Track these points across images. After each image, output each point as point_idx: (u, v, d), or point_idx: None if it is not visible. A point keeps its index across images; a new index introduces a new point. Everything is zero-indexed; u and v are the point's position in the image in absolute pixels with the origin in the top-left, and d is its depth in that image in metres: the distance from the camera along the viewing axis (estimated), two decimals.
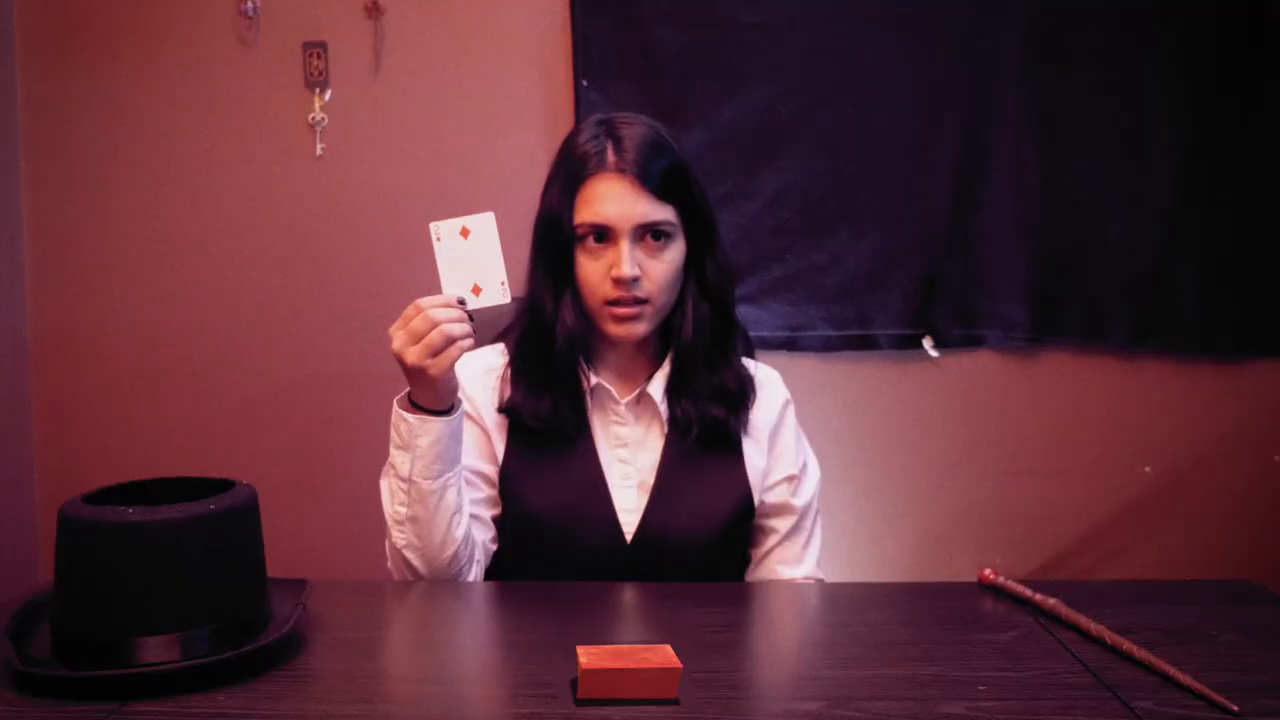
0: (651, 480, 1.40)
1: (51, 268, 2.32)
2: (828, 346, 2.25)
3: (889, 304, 2.24)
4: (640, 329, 1.36)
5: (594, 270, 1.34)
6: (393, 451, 1.31)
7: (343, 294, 2.28)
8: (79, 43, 2.28)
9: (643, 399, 1.42)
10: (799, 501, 1.46)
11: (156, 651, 0.96)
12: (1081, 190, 2.20)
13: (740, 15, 2.19)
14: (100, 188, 2.30)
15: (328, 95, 2.25)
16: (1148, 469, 2.26)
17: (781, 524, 1.46)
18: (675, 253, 1.36)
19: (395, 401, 1.30)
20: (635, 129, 1.36)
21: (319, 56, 2.24)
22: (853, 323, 2.24)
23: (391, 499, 1.33)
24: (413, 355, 1.22)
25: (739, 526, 1.44)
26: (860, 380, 2.27)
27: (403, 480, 1.30)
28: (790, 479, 1.46)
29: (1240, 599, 1.24)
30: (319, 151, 2.26)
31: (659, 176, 1.33)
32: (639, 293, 1.33)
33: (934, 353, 2.26)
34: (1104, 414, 2.26)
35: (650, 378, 1.42)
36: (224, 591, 1.01)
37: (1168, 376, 2.24)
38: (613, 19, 2.19)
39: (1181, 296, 2.21)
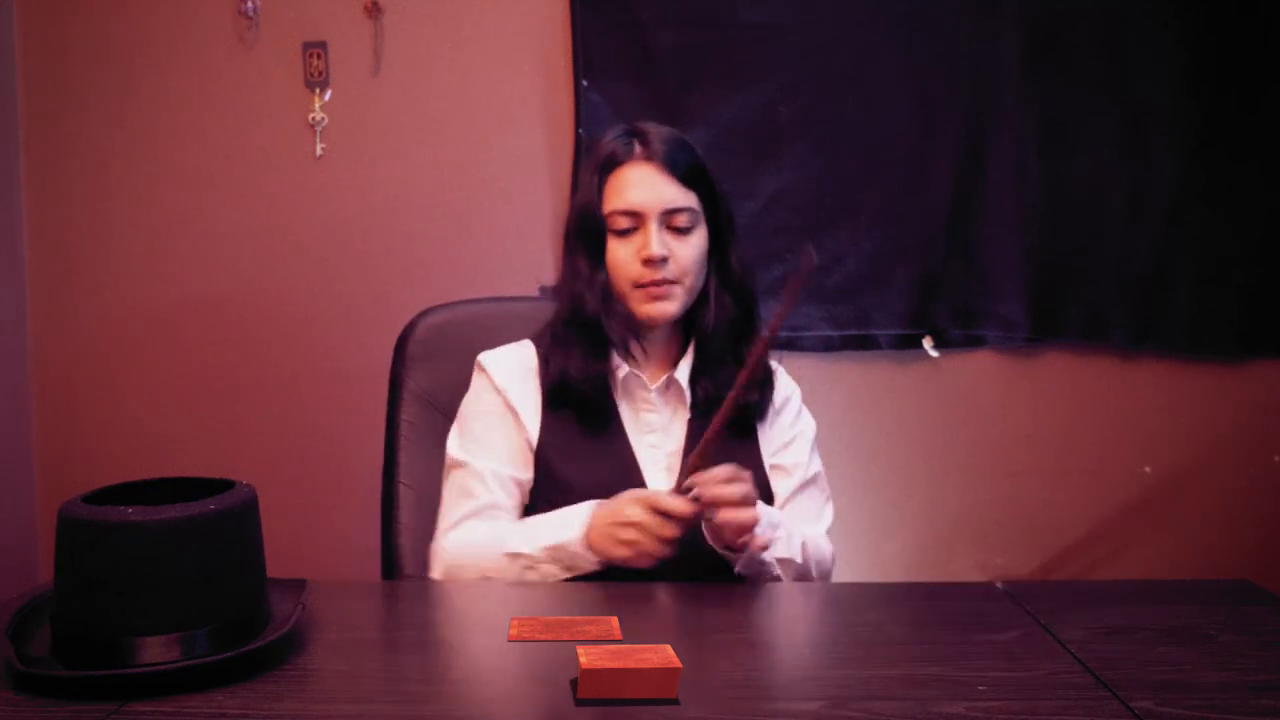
0: (679, 464, 1.43)
1: (51, 268, 2.32)
2: (828, 346, 2.25)
3: (889, 304, 2.24)
4: (671, 308, 1.43)
5: (624, 254, 1.42)
6: (536, 549, 1.33)
7: (342, 294, 2.28)
8: (79, 43, 2.28)
9: (671, 385, 1.47)
10: (793, 456, 1.50)
11: (156, 651, 0.96)
12: (1081, 190, 2.20)
13: (740, 15, 2.19)
14: (100, 188, 2.30)
15: (328, 95, 2.25)
16: (1148, 469, 2.26)
17: (789, 481, 1.49)
18: (700, 238, 1.44)
19: (583, 535, 1.32)
20: (659, 129, 1.47)
21: (319, 56, 2.24)
22: (853, 323, 2.24)
23: (493, 555, 1.35)
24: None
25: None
26: (860, 380, 2.26)
27: (528, 567, 1.34)
28: (787, 444, 1.51)
29: (1240, 599, 1.24)
30: (319, 151, 2.26)
31: (683, 165, 1.43)
32: (667, 274, 1.41)
33: (934, 353, 2.25)
34: (1104, 414, 2.25)
35: (676, 364, 1.48)
36: (224, 591, 1.01)
37: (1168, 376, 2.24)
38: (613, 19, 2.19)
39: (1181, 296, 2.21)
